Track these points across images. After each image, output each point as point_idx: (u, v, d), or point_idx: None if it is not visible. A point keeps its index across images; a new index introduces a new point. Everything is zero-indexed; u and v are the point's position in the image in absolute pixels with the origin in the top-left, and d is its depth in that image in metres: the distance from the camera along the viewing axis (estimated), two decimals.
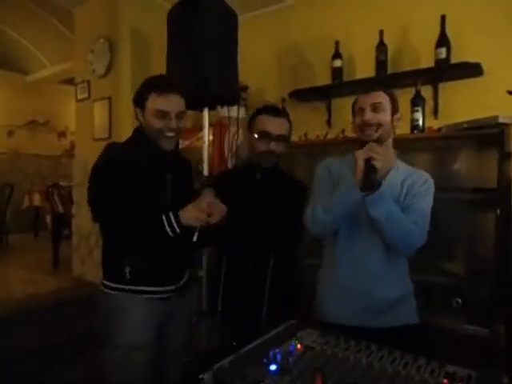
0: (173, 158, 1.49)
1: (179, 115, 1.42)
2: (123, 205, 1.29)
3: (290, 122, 1.67)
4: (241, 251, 1.59)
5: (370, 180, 1.20)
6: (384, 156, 1.22)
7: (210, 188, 1.42)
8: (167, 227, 1.29)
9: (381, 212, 1.24)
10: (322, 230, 1.40)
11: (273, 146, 1.58)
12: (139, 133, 1.45)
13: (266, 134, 1.58)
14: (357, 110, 1.39)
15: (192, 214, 1.29)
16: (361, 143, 1.34)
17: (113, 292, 1.40)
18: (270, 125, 1.59)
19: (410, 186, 1.36)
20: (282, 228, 1.57)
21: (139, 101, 1.42)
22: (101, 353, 1.42)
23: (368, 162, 1.21)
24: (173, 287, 1.46)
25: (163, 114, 1.38)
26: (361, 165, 1.22)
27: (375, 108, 1.34)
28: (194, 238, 1.31)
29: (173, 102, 1.40)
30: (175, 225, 1.29)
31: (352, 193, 1.25)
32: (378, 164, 1.20)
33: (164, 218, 1.29)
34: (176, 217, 1.29)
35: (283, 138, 1.61)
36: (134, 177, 1.33)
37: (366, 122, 1.34)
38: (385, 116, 1.34)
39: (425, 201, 1.34)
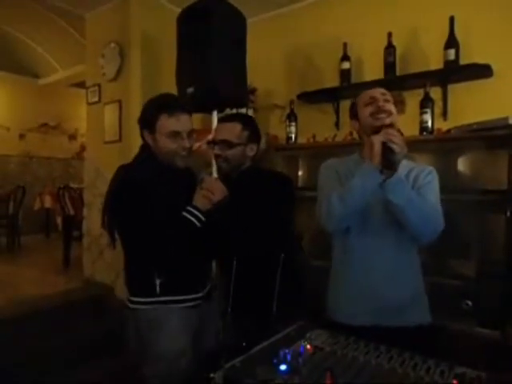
0: (186, 175, 1.51)
1: (190, 134, 1.43)
2: (145, 220, 1.30)
3: (247, 126, 1.65)
4: (250, 252, 1.60)
5: (390, 161, 1.20)
6: (400, 138, 1.23)
7: (207, 174, 1.45)
8: (193, 219, 1.34)
9: (401, 196, 1.22)
10: (339, 224, 1.36)
11: (216, 150, 1.63)
12: (147, 152, 1.44)
13: (210, 141, 1.69)
14: (365, 101, 1.39)
15: (202, 197, 1.37)
16: (373, 131, 1.33)
17: (143, 307, 1.40)
18: (215, 131, 1.69)
19: (415, 178, 1.36)
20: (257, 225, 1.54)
21: (148, 122, 1.41)
22: (143, 371, 1.42)
23: (385, 146, 1.21)
24: (201, 294, 1.48)
25: (176, 134, 1.38)
26: (378, 148, 1.21)
27: (385, 99, 1.37)
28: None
29: (184, 122, 1.41)
30: (197, 213, 1.35)
31: (371, 176, 1.23)
32: (395, 146, 1.20)
33: (185, 213, 1.34)
34: (195, 207, 1.36)
35: (225, 143, 1.61)
36: (151, 196, 1.32)
37: (380, 108, 1.34)
38: (392, 107, 1.37)
39: (432, 190, 1.35)
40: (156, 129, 1.39)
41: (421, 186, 1.35)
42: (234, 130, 1.63)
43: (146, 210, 1.31)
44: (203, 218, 1.36)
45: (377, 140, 1.23)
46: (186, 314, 1.42)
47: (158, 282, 1.37)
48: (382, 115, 1.34)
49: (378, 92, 1.39)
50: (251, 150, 1.67)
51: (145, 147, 1.46)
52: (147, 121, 1.41)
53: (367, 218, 1.36)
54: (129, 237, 1.39)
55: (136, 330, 1.42)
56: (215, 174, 2.29)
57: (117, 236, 1.42)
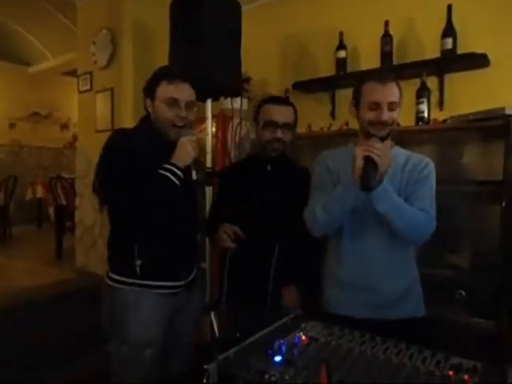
0: None
1: (189, 105, 1.41)
2: (132, 186, 1.29)
3: (295, 111, 1.68)
4: (246, 241, 1.58)
5: (369, 179, 1.16)
6: (385, 153, 1.18)
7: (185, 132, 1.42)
8: (170, 176, 1.29)
9: (386, 206, 1.22)
10: (324, 230, 1.38)
11: (279, 133, 1.60)
12: (146, 122, 1.44)
13: (272, 123, 1.60)
14: (369, 103, 1.28)
15: (182, 153, 1.34)
16: (365, 136, 1.31)
17: (120, 286, 1.38)
18: (275, 113, 1.61)
19: (411, 171, 1.33)
20: (291, 216, 1.55)
21: (149, 90, 1.41)
22: (106, 347, 1.41)
23: (368, 159, 1.16)
24: (182, 282, 1.45)
25: (173, 102, 1.37)
26: (360, 163, 1.17)
27: (392, 108, 1.27)
28: (194, 176, 1.39)
29: (183, 91, 1.40)
30: (175, 169, 1.31)
31: (350, 192, 1.23)
32: (378, 161, 1.15)
33: (162, 171, 1.30)
34: (172, 164, 1.32)
35: (289, 126, 1.63)
36: (142, 163, 1.31)
37: (383, 122, 1.26)
38: (397, 114, 1.30)
39: (428, 186, 1.32)
40: (156, 95, 1.39)
41: (416, 180, 1.32)
42: (290, 114, 1.65)
43: (129, 174, 1.29)
44: (181, 174, 1.32)
45: (359, 154, 1.18)
46: (161, 302, 1.40)
47: (138, 262, 1.35)
48: (379, 128, 1.28)
49: (385, 98, 1.25)
50: (293, 135, 1.69)
51: (144, 119, 1.46)
52: (149, 87, 1.42)
53: (361, 216, 1.34)
54: (110, 199, 1.36)
55: (109, 308, 1.41)
56: (209, 164, 2.26)
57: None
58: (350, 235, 1.37)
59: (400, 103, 1.32)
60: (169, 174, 1.30)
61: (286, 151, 1.68)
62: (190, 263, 1.52)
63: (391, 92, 1.27)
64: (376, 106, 1.26)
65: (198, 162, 1.41)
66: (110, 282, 1.41)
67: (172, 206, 1.36)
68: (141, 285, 1.37)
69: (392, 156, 1.28)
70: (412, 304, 1.38)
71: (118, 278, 1.39)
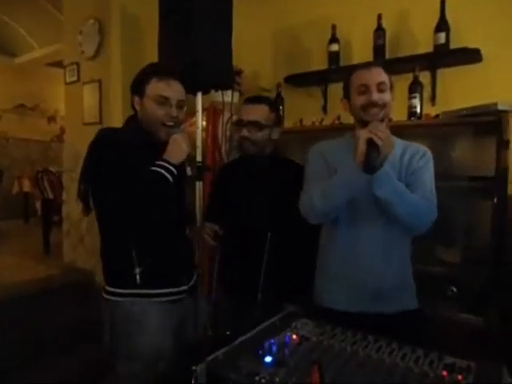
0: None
1: (179, 104, 1.36)
2: (122, 183, 1.22)
3: (273, 109, 1.64)
4: (236, 238, 1.56)
5: (373, 161, 1.14)
6: (387, 136, 1.17)
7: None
8: (164, 172, 1.25)
9: (388, 191, 1.19)
10: (321, 218, 1.35)
11: (244, 132, 1.58)
12: (134, 122, 1.38)
13: (238, 122, 1.61)
14: (358, 88, 1.29)
15: (176, 150, 1.30)
16: (362, 123, 1.28)
17: (121, 299, 1.30)
18: (243, 112, 1.61)
19: (409, 161, 1.32)
20: (280, 212, 1.53)
21: (138, 87, 1.35)
22: (115, 368, 1.33)
23: (370, 142, 1.15)
24: (185, 287, 1.39)
25: (164, 101, 1.32)
26: (363, 146, 1.15)
27: (380, 88, 1.27)
28: (189, 172, 1.37)
29: (174, 89, 1.35)
30: (169, 165, 1.26)
31: (354, 177, 1.19)
32: (381, 144, 1.14)
33: (155, 168, 1.25)
34: (165, 160, 1.27)
35: (255, 124, 1.58)
36: (130, 161, 1.25)
37: (373, 103, 1.26)
38: (388, 96, 1.29)
39: (427, 174, 1.31)
40: (145, 92, 1.33)
41: (415, 169, 1.30)
42: (262, 112, 1.60)
43: (119, 171, 1.23)
44: (175, 171, 1.28)
45: (362, 137, 1.16)
46: (166, 311, 1.33)
47: (138, 270, 1.27)
48: (374, 110, 1.26)
49: (372, 79, 1.27)
50: (276, 134, 1.65)
51: (131, 119, 1.40)
52: (137, 84, 1.35)
53: (356, 208, 1.31)
54: (103, 205, 1.29)
55: (111, 324, 1.32)
56: (199, 158, 2.23)
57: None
58: (345, 224, 1.35)
59: (390, 87, 1.31)
60: (162, 171, 1.25)
61: (265, 148, 1.63)
62: (190, 267, 1.47)
63: (378, 74, 1.29)
64: (365, 89, 1.28)
65: (192, 159, 1.39)
66: (108, 296, 1.32)
67: (165, 202, 1.30)
68: (143, 294, 1.30)
69: (393, 141, 1.26)
70: (405, 298, 1.38)
71: (117, 290, 1.31)
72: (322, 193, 1.26)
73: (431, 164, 1.34)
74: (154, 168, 1.25)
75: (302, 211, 1.35)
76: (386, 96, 1.28)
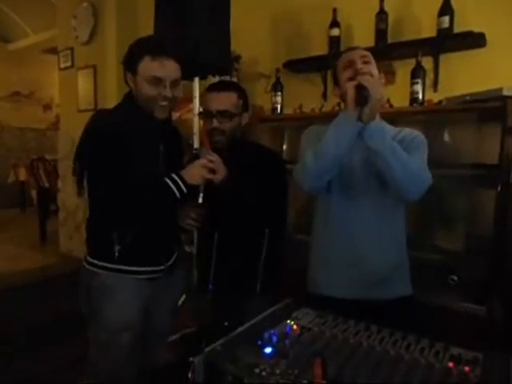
0: (165, 127, 1.40)
1: (174, 83, 1.32)
2: (115, 174, 1.23)
3: (241, 95, 1.55)
4: (234, 226, 1.52)
5: (364, 101, 1.12)
6: (376, 80, 1.19)
7: (206, 149, 1.37)
8: (173, 188, 1.24)
9: (381, 142, 1.16)
10: (314, 181, 1.29)
11: (215, 123, 1.48)
12: (130, 99, 1.35)
13: (206, 113, 1.51)
14: (343, 64, 1.32)
15: (195, 172, 1.28)
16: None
17: (99, 271, 1.34)
18: (210, 101, 1.51)
19: (400, 141, 1.28)
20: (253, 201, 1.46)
21: (130, 64, 1.30)
22: (86, 333, 1.38)
23: (359, 87, 1.14)
24: (162, 267, 1.41)
25: (157, 81, 1.28)
26: (352, 91, 1.14)
27: (365, 60, 1.30)
28: (200, 200, 1.31)
29: (168, 68, 1.29)
30: (181, 183, 1.25)
31: (345, 126, 1.17)
32: (369, 84, 1.13)
33: (168, 180, 1.25)
34: (180, 177, 1.26)
35: (225, 114, 1.48)
36: (126, 146, 1.24)
37: (358, 71, 1.26)
38: (374, 69, 1.30)
39: (419, 153, 1.27)
40: (137, 71, 1.29)
41: (406, 148, 1.25)
42: (231, 100, 1.51)
43: (117, 160, 1.23)
44: (185, 190, 1.27)
45: (350, 85, 1.16)
46: (140, 287, 1.36)
47: (116, 248, 1.30)
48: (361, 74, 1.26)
49: (357, 54, 1.31)
50: (244, 119, 1.57)
51: (127, 97, 1.36)
52: (130, 61, 1.31)
53: (348, 181, 1.31)
54: (96, 188, 1.30)
55: (86, 292, 1.37)
56: (196, 145, 2.18)
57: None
58: (338, 199, 1.34)
59: (387, 77, 1.32)
60: (173, 187, 1.25)
61: (234, 137, 1.53)
62: (170, 247, 1.47)
63: (361, 51, 1.33)
64: (350, 63, 1.30)
65: (209, 186, 1.33)
66: (88, 266, 1.37)
67: (163, 213, 1.34)
68: (119, 270, 1.33)
69: (383, 87, 1.28)
70: (400, 282, 1.37)
71: (96, 262, 1.35)
72: (315, 153, 1.23)
73: (424, 147, 1.31)
74: (166, 179, 1.26)
75: (296, 179, 1.32)
76: (373, 68, 1.29)
